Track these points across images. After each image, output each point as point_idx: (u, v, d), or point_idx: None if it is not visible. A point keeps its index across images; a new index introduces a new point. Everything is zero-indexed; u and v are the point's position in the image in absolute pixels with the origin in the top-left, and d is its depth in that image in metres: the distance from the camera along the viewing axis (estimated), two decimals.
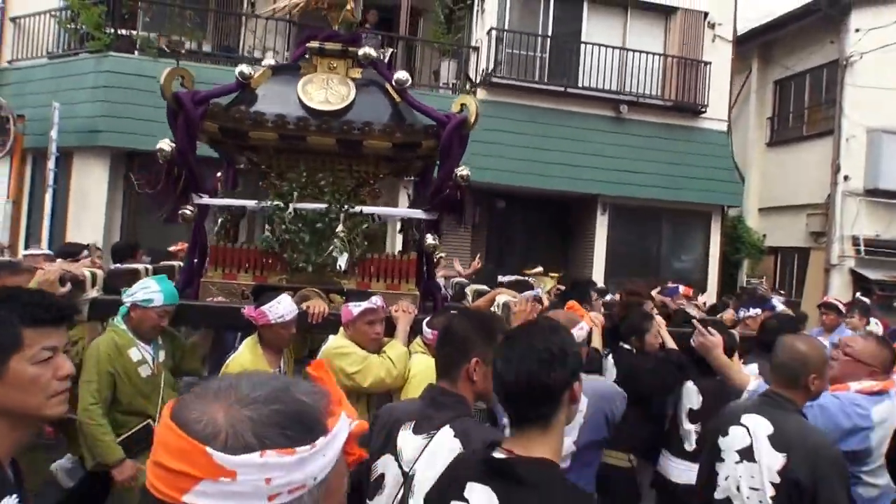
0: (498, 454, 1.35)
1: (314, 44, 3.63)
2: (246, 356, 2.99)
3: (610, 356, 3.59)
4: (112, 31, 9.01)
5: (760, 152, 13.66)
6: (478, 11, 10.16)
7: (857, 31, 11.15)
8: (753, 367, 3.28)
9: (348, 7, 3.75)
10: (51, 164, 8.53)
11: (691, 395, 3.37)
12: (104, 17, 9.01)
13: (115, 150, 8.96)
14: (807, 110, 12.80)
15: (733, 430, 2.21)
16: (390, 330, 3.08)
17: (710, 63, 10.68)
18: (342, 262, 3.31)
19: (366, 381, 2.83)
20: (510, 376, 1.36)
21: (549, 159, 10.16)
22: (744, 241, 13.36)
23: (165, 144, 3.27)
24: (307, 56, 3.69)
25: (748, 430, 2.19)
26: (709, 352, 2.91)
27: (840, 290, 11.09)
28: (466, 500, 1.31)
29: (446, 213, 3.67)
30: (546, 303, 4.26)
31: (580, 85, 10.36)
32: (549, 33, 10.30)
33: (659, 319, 3.67)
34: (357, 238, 3.42)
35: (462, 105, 3.46)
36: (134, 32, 9.15)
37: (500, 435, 1.69)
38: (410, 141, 3.49)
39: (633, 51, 10.47)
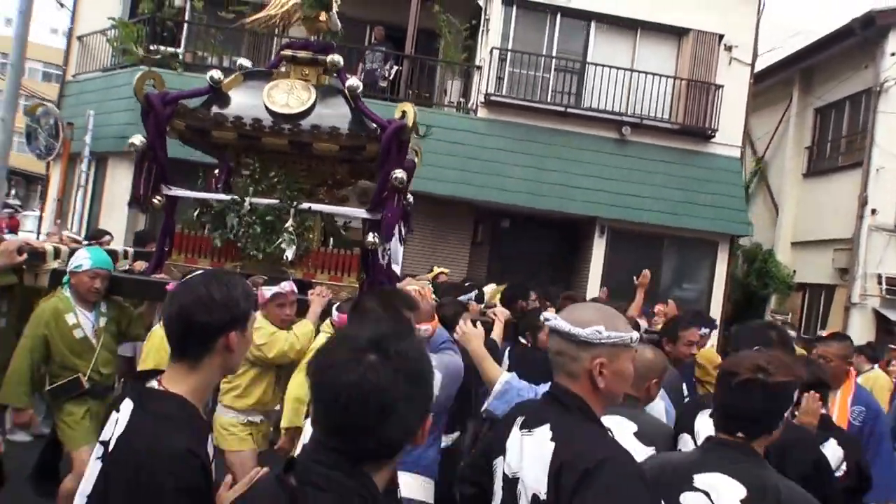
0: (151, 383, 1.49)
1: (287, 52, 3.95)
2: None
3: (508, 349, 3.94)
4: (146, 46, 10.08)
5: (796, 183, 13.03)
6: (483, 31, 10.50)
7: (893, 55, 10.52)
8: None
9: (321, 18, 3.99)
10: (83, 166, 9.65)
11: (657, 411, 3.57)
12: (142, 35, 10.12)
13: None
14: (843, 139, 12.12)
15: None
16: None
17: (722, 86, 10.42)
18: (289, 253, 3.61)
19: (270, 353, 3.27)
20: (165, 312, 1.49)
21: (548, 179, 10.25)
22: (773, 276, 12.76)
23: (137, 139, 3.64)
24: (283, 64, 4.00)
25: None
26: (468, 342, 3.13)
27: (861, 332, 10.36)
28: (119, 411, 1.47)
29: (395, 220, 3.86)
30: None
31: (584, 106, 10.43)
32: (554, 53, 10.46)
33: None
34: (306, 232, 3.71)
35: (403, 111, 3.66)
36: (164, 48, 10.18)
37: None
38: (355, 144, 3.73)
39: (641, 72, 10.42)
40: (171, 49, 10.25)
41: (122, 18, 10.58)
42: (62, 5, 12.60)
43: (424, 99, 10.53)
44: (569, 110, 10.30)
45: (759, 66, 14.18)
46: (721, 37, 10.56)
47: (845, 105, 12.00)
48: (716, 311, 10.63)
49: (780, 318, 12.95)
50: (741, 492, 1.63)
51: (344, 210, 4.02)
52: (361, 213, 3.86)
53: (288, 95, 3.81)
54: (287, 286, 3.35)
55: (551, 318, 1.57)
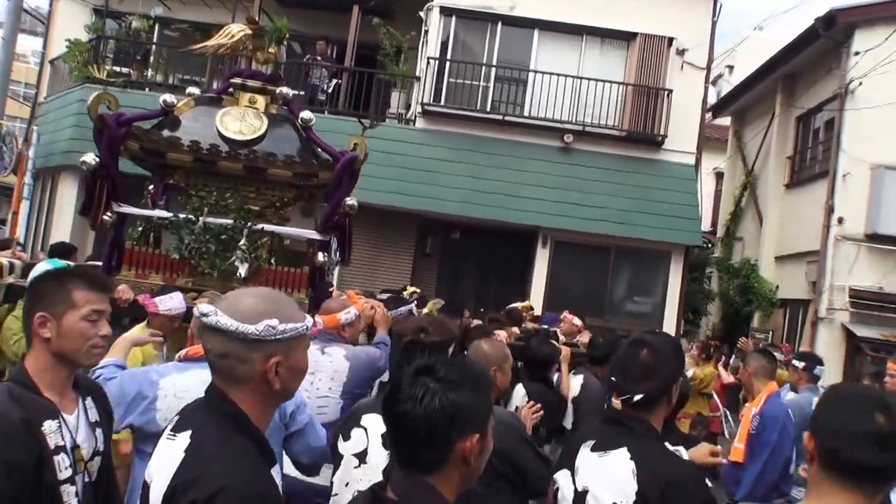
0: None
1: (237, 80, 4.16)
2: (133, 333, 3.39)
3: None
4: (94, 66, 10.44)
5: (779, 195, 12.32)
6: (422, 42, 10.42)
7: (857, 54, 9.86)
8: (579, 378, 4.15)
9: (270, 49, 4.33)
10: (27, 178, 9.99)
11: (518, 396, 3.78)
12: (89, 55, 10.51)
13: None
14: (820, 146, 11.41)
15: None
16: None
17: (671, 91, 9.97)
18: (242, 270, 3.82)
19: None
20: None
21: (488, 189, 9.97)
22: (755, 292, 12.02)
23: (90, 158, 3.73)
24: (231, 90, 4.19)
25: None
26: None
27: (828, 349, 9.58)
28: None
29: (341, 243, 4.21)
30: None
31: (527, 115, 10.16)
32: (495, 62, 10.27)
33: (500, 333, 4.10)
34: (257, 251, 3.93)
35: (355, 144, 3.99)
36: (109, 68, 10.51)
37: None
38: (308, 171, 4.03)
39: (587, 79, 10.09)
40: (116, 68, 10.57)
41: (79, 40, 11.00)
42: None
43: (365, 111, 10.48)
44: (507, 118, 10.05)
45: (743, 76, 13.69)
46: (671, 40, 10.14)
47: (820, 111, 11.32)
48: (669, 325, 10.02)
49: (760, 336, 12.17)
50: (383, 427, 1.90)
51: (296, 231, 4.27)
52: (313, 234, 4.16)
53: (241, 123, 4.06)
54: None
55: (209, 311, 1.31)
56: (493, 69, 10.23)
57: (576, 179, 10.00)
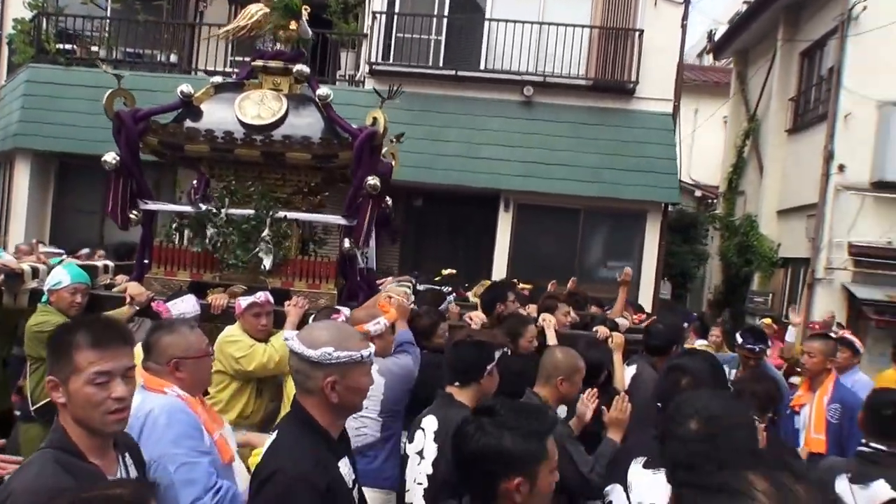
0: None
1: (259, 62, 4.02)
2: None
3: None
4: (39, 44, 10.10)
5: (781, 142, 11.09)
6: None
7: None
8: (632, 369, 3.67)
9: (292, 27, 4.04)
10: None
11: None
12: (32, 33, 10.17)
13: (37, 151, 10.02)
14: (824, 84, 10.12)
15: None
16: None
17: (641, 32, 8.93)
18: (267, 262, 3.71)
19: (250, 366, 3.25)
20: None
21: (445, 151, 9.28)
22: (755, 252, 10.97)
23: (110, 157, 3.69)
24: (255, 74, 4.07)
25: None
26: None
27: (825, 313, 8.56)
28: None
29: (371, 226, 3.89)
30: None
31: (483, 68, 9.33)
32: (446, 12, 9.42)
33: (548, 318, 3.81)
34: (283, 241, 3.78)
35: (373, 118, 3.76)
36: (52, 45, 10.14)
37: None
38: (327, 152, 3.81)
39: (547, 24, 9.14)
40: (59, 45, 10.22)
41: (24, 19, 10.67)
42: None
43: (314, 74, 9.83)
44: (460, 73, 9.24)
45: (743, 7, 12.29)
46: None
47: (825, 43, 10.01)
48: (646, 290, 9.20)
49: (759, 300, 11.16)
50: (435, 425, 2.32)
51: (319, 217, 4.12)
52: (338, 219, 3.97)
53: (259, 106, 3.89)
54: (262, 296, 3.37)
55: (289, 336, 1.70)
56: (445, 20, 9.39)
57: (539, 136, 9.17)
